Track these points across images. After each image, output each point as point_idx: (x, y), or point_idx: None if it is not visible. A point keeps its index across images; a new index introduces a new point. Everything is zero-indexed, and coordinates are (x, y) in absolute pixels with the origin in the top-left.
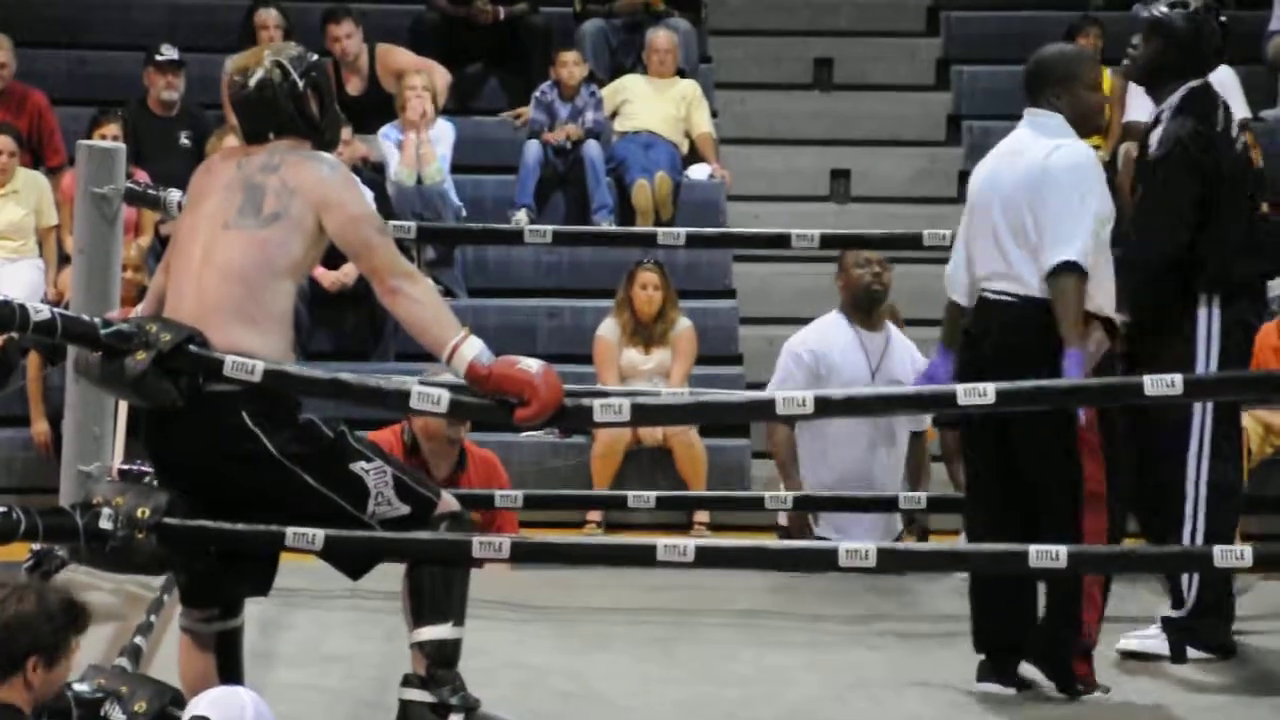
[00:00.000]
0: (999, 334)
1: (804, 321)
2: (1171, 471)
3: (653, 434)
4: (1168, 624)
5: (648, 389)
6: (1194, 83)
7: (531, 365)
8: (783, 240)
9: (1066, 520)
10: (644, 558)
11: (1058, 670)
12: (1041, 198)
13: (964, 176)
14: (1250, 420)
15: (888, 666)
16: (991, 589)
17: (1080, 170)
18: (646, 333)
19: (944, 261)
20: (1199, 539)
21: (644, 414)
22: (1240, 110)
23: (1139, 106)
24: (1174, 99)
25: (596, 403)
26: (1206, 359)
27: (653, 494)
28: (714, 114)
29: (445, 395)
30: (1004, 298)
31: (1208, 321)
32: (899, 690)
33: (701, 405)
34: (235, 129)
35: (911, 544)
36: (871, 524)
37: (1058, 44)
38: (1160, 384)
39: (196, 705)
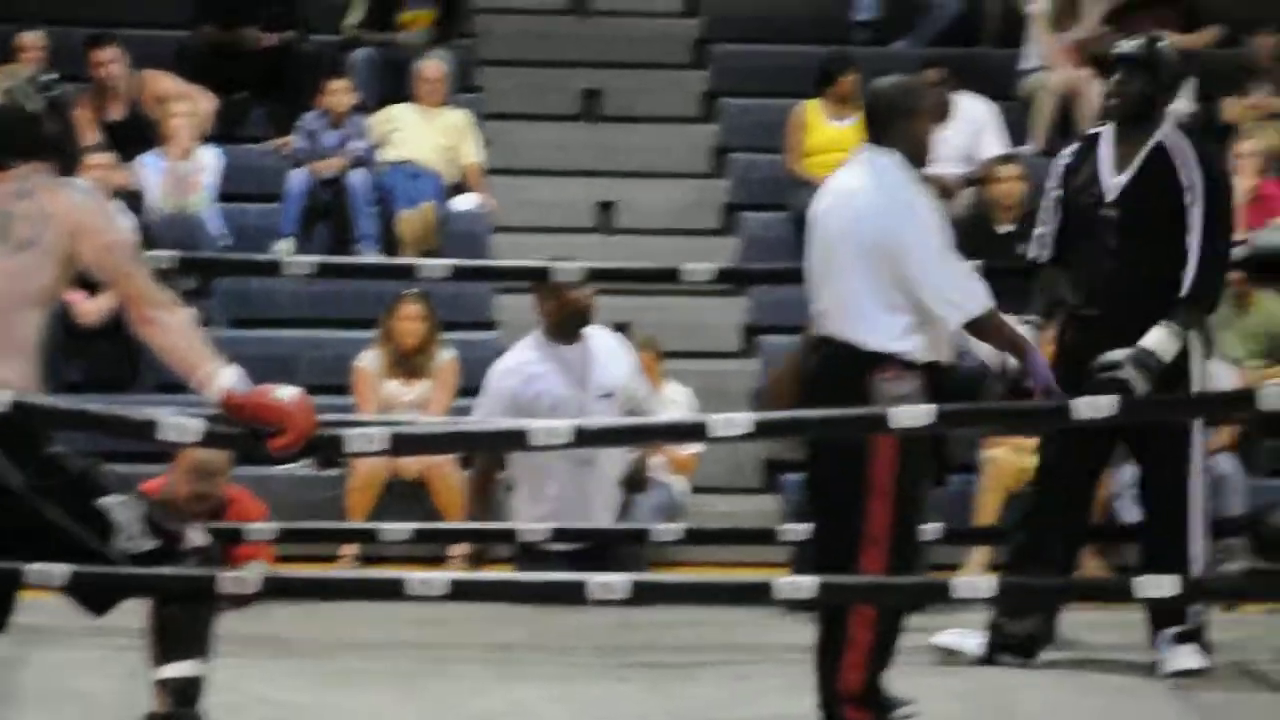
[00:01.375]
0: (825, 374)
1: None
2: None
3: (411, 466)
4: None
5: (407, 420)
6: (1173, 119)
7: (286, 394)
8: (545, 273)
9: (845, 560)
10: (394, 592)
11: (827, 716)
12: (901, 252)
13: (729, 208)
14: (1005, 452)
15: (636, 699)
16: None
17: (927, 216)
18: (409, 364)
19: (706, 294)
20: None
21: (400, 444)
22: (998, 146)
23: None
24: (1176, 136)
25: (351, 432)
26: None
27: (408, 526)
28: (485, 144)
29: (197, 425)
30: (834, 339)
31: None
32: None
33: (457, 435)
34: None
35: (661, 576)
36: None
37: (894, 77)
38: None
39: None
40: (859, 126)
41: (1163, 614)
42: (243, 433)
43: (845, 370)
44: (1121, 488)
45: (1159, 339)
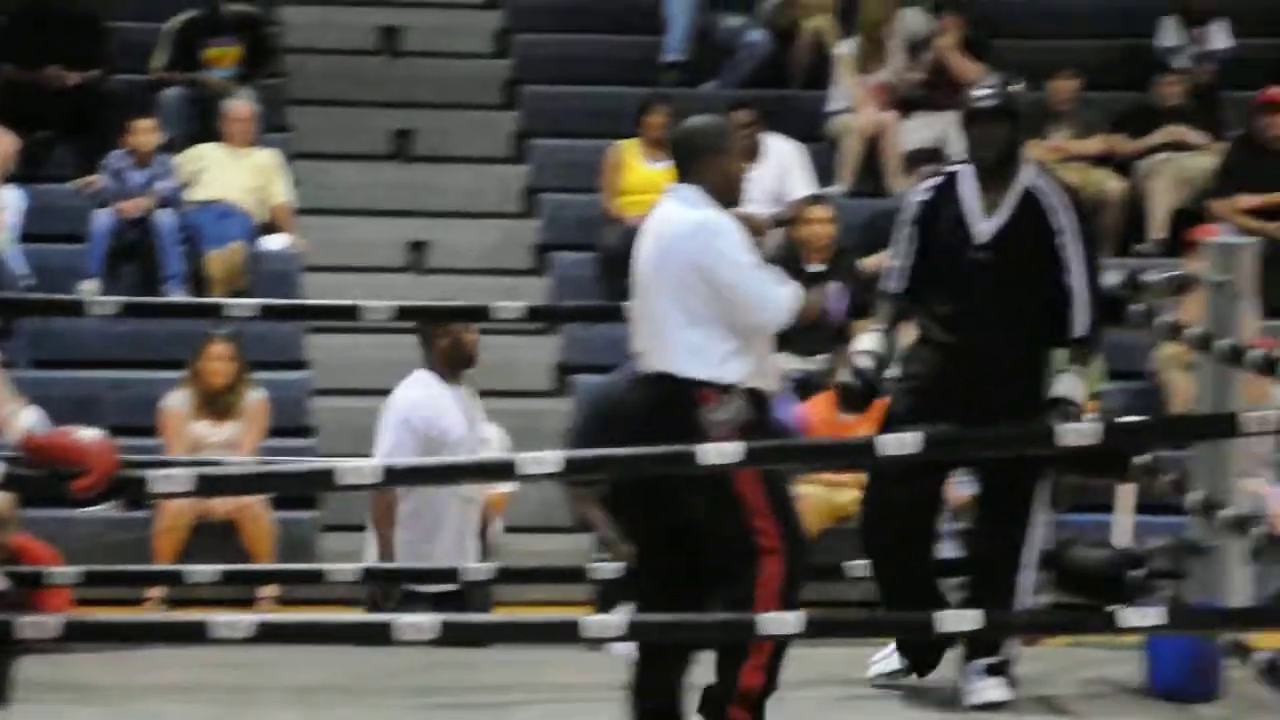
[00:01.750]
0: (649, 410)
1: (381, 393)
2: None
3: (220, 507)
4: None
5: (216, 460)
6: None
7: (87, 436)
8: (354, 312)
9: (740, 577)
10: (198, 635)
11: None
12: (712, 267)
13: (540, 249)
14: (817, 488)
15: None
16: (646, 658)
17: (724, 237)
18: (217, 404)
19: (518, 334)
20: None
21: (206, 484)
22: (806, 186)
23: None
24: (1040, 179)
25: (155, 473)
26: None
27: (214, 569)
28: (294, 184)
29: None
30: (656, 375)
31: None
32: None
33: (263, 475)
34: None
35: (471, 616)
36: None
37: (701, 116)
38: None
39: None
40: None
41: (977, 645)
42: (44, 475)
43: (671, 403)
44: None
45: (1070, 385)
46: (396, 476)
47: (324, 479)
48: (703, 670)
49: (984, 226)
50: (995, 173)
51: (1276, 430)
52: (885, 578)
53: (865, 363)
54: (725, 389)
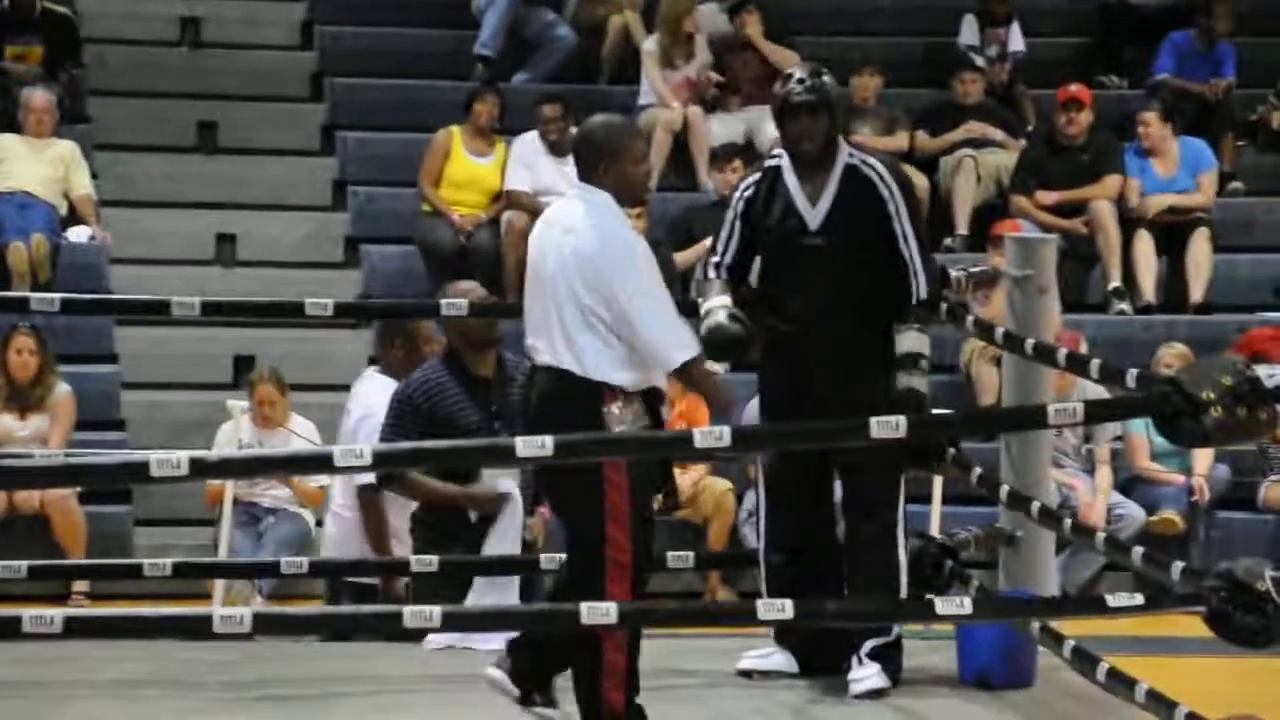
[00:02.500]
0: (547, 403)
1: (191, 387)
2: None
3: (29, 501)
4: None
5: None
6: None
7: None
8: (163, 306)
9: (589, 585)
10: (11, 630)
11: None
12: (617, 297)
13: (350, 241)
14: None
15: None
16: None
17: (639, 252)
18: (23, 398)
19: (330, 327)
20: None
21: (13, 477)
22: None
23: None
24: (855, 156)
25: None
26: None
27: (24, 563)
28: (94, 175)
29: None
30: (554, 369)
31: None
32: None
33: (74, 467)
34: None
35: (286, 608)
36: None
37: (604, 116)
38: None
39: None
40: (495, 167)
41: (861, 634)
42: None
43: (568, 397)
44: (746, 514)
45: (915, 340)
46: (206, 469)
47: (140, 471)
48: None
49: (813, 213)
50: (816, 162)
51: (1081, 421)
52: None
53: (726, 312)
54: (625, 393)
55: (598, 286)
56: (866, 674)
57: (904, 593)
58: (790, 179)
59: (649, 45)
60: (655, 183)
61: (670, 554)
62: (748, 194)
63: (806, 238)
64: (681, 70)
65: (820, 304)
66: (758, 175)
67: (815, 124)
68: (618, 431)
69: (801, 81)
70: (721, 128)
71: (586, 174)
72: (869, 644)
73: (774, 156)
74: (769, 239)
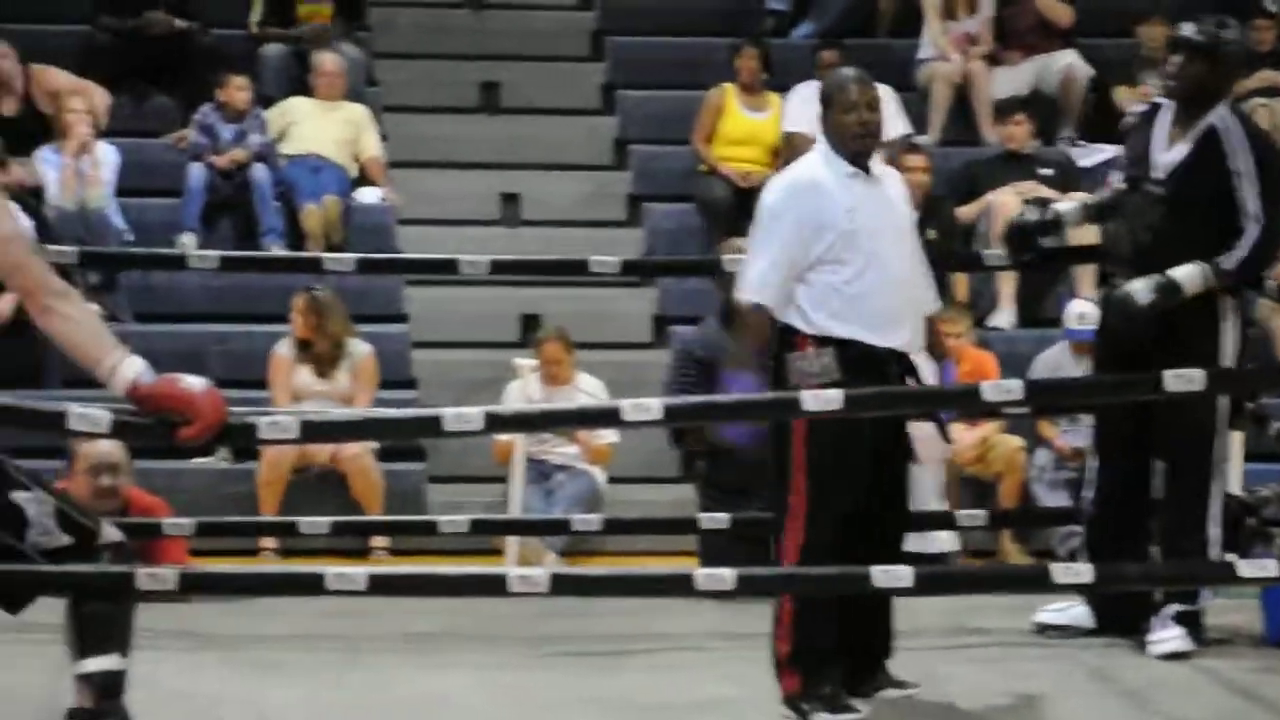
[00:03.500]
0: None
1: (478, 345)
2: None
3: (321, 456)
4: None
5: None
6: (1230, 104)
7: (194, 383)
8: (452, 266)
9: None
10: (314, 586)
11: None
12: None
13: (632, 200)
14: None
15: (560, 686)
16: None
17: (770, 205)
18: (324, 357)
19: (615, 286)
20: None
21: (312, 431)
22: (903, 126)
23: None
24: (1230, 120)
25: (262, 419)
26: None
27: (327, 520)
28: (383, 137)
29: (106, 416)
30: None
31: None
32: (564, 709)
33: (368, 421)
34: None
35: (584, 568)
36: None
37: (836, 71)
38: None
39: None
40: (771, 122)
41: (1166, 596)
42: (152, 423)
43: (773, 347)
44: (1038, 471)
45: (1187, 272)
46: (499, 424)
47: (432, 425)
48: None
49: (1163, 159)
50: (1186, 108)
51: None
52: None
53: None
54: (817, 340)
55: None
56: (1169, 635)
57: (1213, 555)
58: (1162, 120)
59: None
60: (936, 137)
61: (960, 512)
62: (1130, 121)
63: (1150, 183)
64: (963, 23)
65: (1144, 249)
66: (1144, 109)
67: (1189, 68)
68: (805, 379)
69: (1198, 22)
70: (1004, 80)
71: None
72: (1173, 608)
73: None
74: (1125, 172)
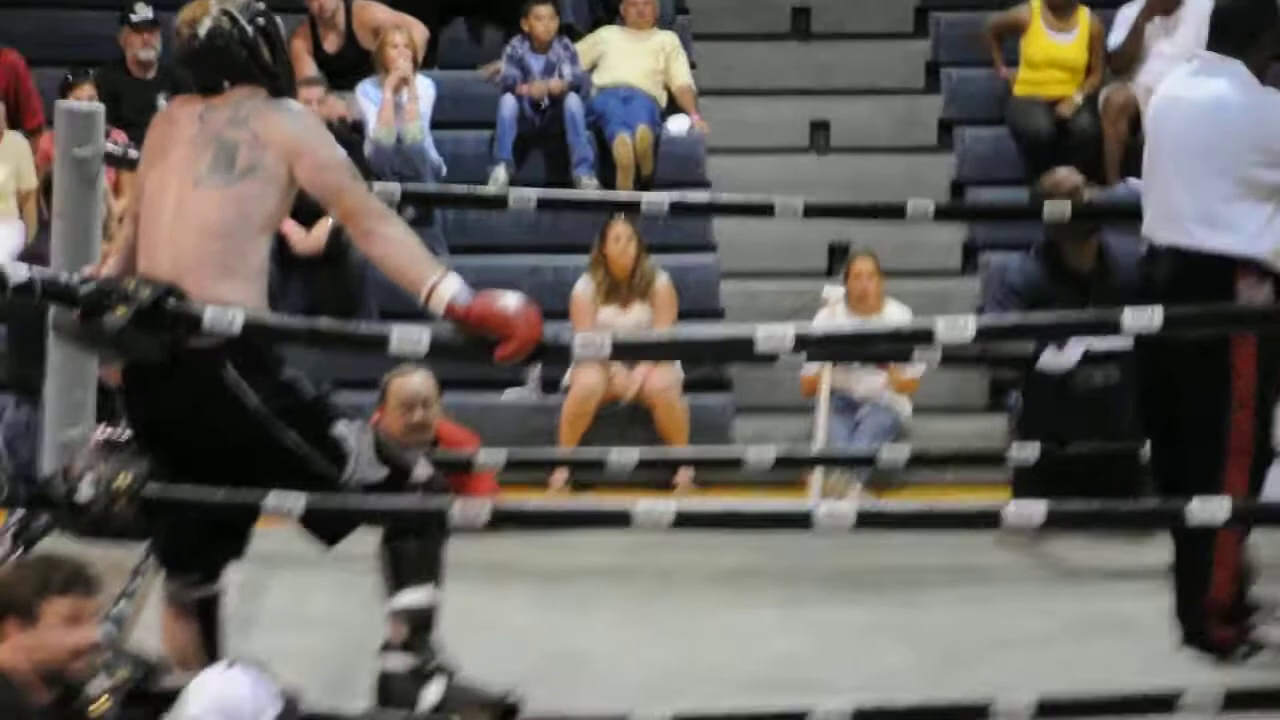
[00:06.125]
0: (1170, 285)
1: (786, 275)
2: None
3: (628, 388)
4: None
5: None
6: None
7: (510, 302)
8: (767, 209)
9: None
10: (621, 521)
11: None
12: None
13: (944, 125)
14: None
15: (866, 622)
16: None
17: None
18: (623, 289)
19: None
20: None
21: (622, 350)
22: None
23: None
24: None
25: (576, 337)
26: None
27: (634, 450)
28: (692, 65)
29: (425, 335)
30: (1180, 250)
31: None
32: (875, 643)
33: (679, 342)
34: None
35: (888, 503)
36: None
37: None
38: None
39: (192, 703)
40: (1080, 44)
41: None
42: (469, 342)
43: (1195, 273)
44: None
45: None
46: (809, 344)
47: (743, 347)
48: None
49: None
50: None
51: None
52: None
53: None
54: (1260, 271)
55: (1264, 149)
56: None
57: None
58: None
59: None
60: None
61: None
62: None
63: None
64: None
65: None
66: None
67: None
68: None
69: None
70: None
71: (1222, 45)
72: None
73: None
74: None
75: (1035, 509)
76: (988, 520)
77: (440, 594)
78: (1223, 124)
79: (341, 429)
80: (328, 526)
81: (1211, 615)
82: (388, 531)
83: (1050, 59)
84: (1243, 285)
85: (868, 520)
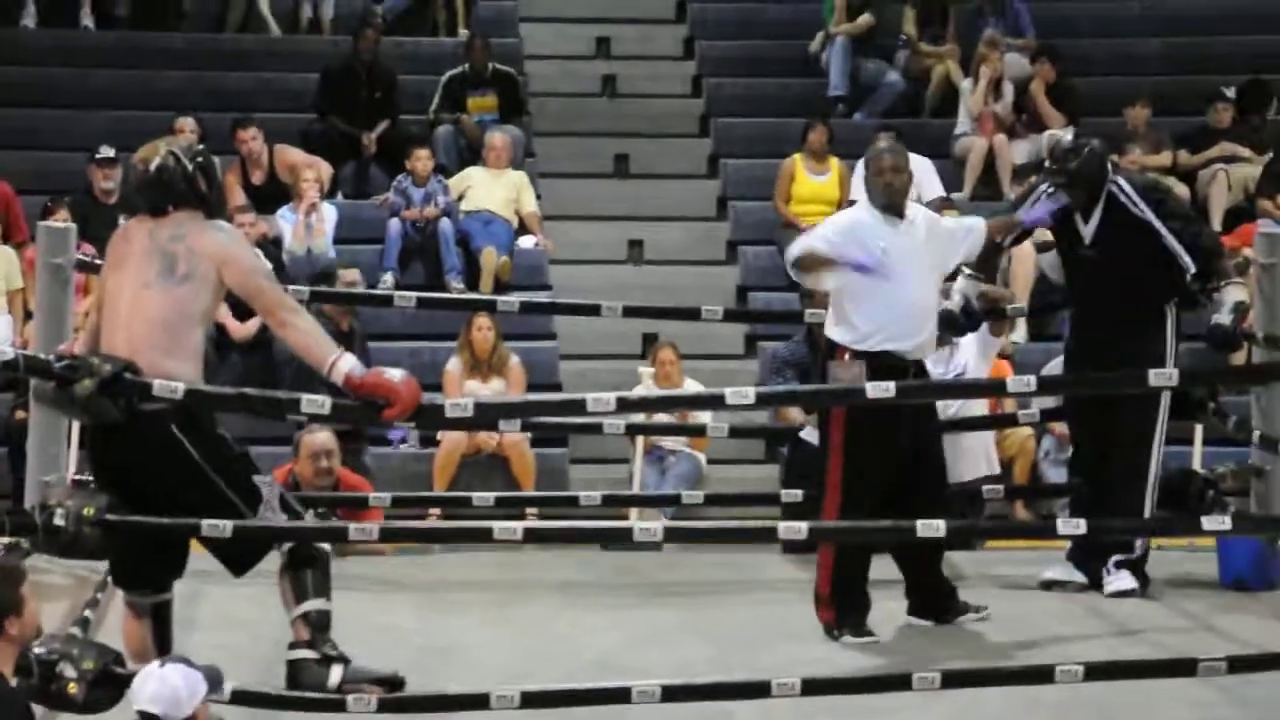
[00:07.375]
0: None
1: (610, 358)
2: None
3: (489, 442)
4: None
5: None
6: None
7: (396, 374)
8: (595, 309)
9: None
10: (484, 537)
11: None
12: None
13: (731, 244)
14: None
15: (673, 621)
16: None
17: (821, 231)
18: (484, 366)
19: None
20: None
21: (484, 411)
22: (938, 189)
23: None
24: (1119, 182)
25: (447, 402)
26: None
27: (492, 494)
28: (538, 197)
29: (327, 400)
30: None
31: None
32: (682, 638)
33: (528, 404)
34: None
35: (689, 523)
36: None
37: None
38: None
39: (139, 698)
40: (832, 183)
41: (1112, 546)
42: (362, 405)
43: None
44: (1043, 454)
45: (1236, 290)
46: (627, 406)
47: (578, 407)
48: None
49: (1085, 230)
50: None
51: None
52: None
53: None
54: (851, 352)
55: None
56: (1119, 577)
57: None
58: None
59: (967, 86)
60: (969, 193)
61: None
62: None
63: (1083, 249)
64: (990, 106)
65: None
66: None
67: (1075, 194)
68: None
69: (1066, 154)
70: (1020, 150)
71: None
72: (1114, 558)
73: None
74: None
75: (802, 526)
76: (765, 536)
77: (332, 602)
78: None
79: (259, 480)
80: (239, 556)
81: (818, 601)
82: (286, 560)
83: (812, 194)
84: (834, 363)
85: (674, 535)
